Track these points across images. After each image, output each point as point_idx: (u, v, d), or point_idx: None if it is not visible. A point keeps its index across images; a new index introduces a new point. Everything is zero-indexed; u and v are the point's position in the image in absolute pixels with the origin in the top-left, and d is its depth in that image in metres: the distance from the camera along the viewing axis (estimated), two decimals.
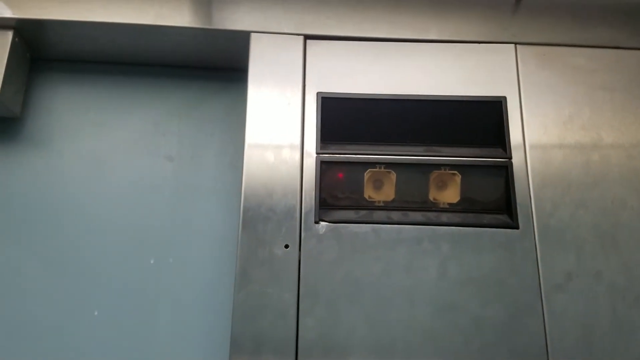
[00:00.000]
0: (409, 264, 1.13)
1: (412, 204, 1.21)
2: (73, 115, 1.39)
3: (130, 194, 1.33)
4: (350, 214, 1.19)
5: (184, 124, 1.40)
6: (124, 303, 1.26)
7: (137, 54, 1.39)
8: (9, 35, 1.28)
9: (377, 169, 1.22)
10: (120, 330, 1.24)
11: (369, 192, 1.22)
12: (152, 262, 1.28)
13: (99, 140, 1.37)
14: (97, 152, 1.36)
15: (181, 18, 1.28)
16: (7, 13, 1.26)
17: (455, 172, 1.22)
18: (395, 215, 1.19)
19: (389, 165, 1.22)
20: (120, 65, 1.43)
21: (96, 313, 1.25)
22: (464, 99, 1.25)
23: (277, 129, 1.21)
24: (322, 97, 1.25)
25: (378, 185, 1.22)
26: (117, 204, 1.33)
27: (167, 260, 1.29)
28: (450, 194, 1.22)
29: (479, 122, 1.25)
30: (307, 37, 1.29)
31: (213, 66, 1.43)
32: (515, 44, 1.30)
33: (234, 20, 1.29)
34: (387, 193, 1.22)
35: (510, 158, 1.21)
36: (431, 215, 1.19)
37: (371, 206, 1.21)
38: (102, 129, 1.38)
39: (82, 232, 1.30)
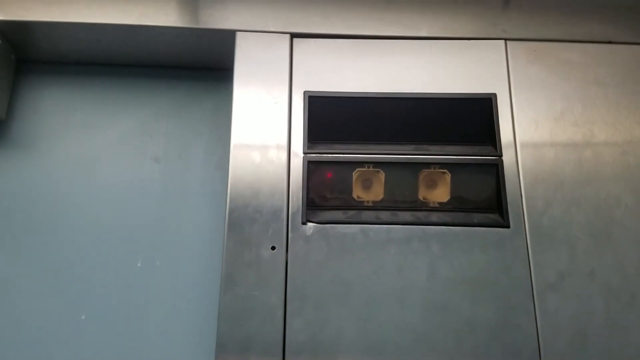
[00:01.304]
0: (399, 264, 1.11)
1: (402, 204, 1.19)
2: (59, 117, 1.37)
3: (118, 196, 1.32)
4: (338, 215, 1.17)
5: (171, 124, 1.38)
6: (111, 306, 1.24)
7: (123, 54, 1.38)
8: None
9: (365, 169, 1.20)
10: (108, 334, 1.22)
11: (357, 192, 1.20)
12: (139, 264, 1.27)
13: (85, 142, 1.36)
14: (83, 154, 1.35)
15: (166, 17, 1.26)
16: None
17: (445, 170, 1.20)
18: (385, 215, 1.17)
19: (378, 164, 1.20)
20: (107, 66, 1.41)
21: (83, 317, 1.24)
22: (454, 97, 1.23)
23: (263, 129, 1.19)
24: (310, 96, 1.23)
25: (367, 184, 1.20)
26: (104, 206, 1.31)
27: (154, 262, 1.27)
28: (440, 193, 1.20)
29: (469, 120, 1.23)
30: (293, 36, 1.28)
31: (200, 66, 1.42)
32: (506, 40, 1.28)
33: (219, 19, 1.27)
34: (376, 193, 1.20)
35: (501, 156, 1.19)
36: (421, 215, 1.17)
37: (360, 206, 1.19)
38: (89, 131, 1.37)
39: (69, 235, 1.29)
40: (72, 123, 1.37)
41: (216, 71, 1.40)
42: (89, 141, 1.36)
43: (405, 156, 1.20)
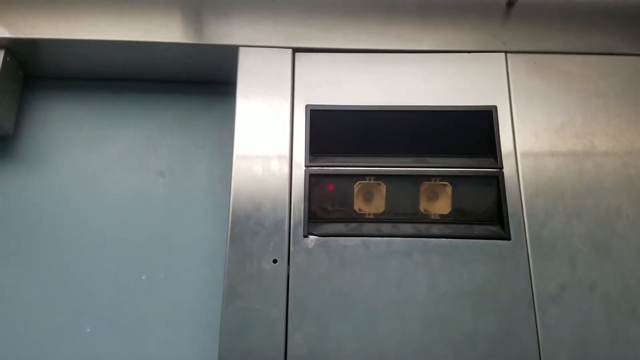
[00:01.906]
0: (399, 277, 1.12)
1: (403, 216, 1.20)
2: (65, 132, 1.40)
3: (123, 210, 1.34)
4: (340, 227, 1.18)
5: (175, 138, 1.40)
6: (116, 319, 1.26)
7: (128, 70, 1.40)
8: (1, 54, 1.29)
9: (366, 181, 1.21)
10: (112, 346, 1.24)
11: (359, 205, 1.21)
12: (143, 277, 1.28)
13: (91, 157, 1.38)
14: (89, 169, 1.37)
15: (169, 34, 1.28)
16: None
17: (446, 182, 1.21)
18: (386, 227, 1.17)
19: (379, 177, 1.21)
20: (112, 81, 1.44)
21: (89, 329, 1.25)
22: (454, 109, 1.24)
23: (265, 142, 1.21)
24: (311, 110, 1.24)
25: (368, 197, 1.21)
26: (109, 220, 1.33)
27: (158, 275, 1.28)
28: (441, 205, 1.20)
29: (470, 132, 1.24)
30: (295, 50, 1.29)
31: (203, 81, 1.44)
32: (506, 52, 1.29)
33: (222, 35, 1.29)
34: (378, 205, 1.21)
35: (502, 168, 1.19)
36: (421, 227, 1.17)
37: (361, 219, 1.20)
38: (94, 145, 1.39)
39: (75, 248, 1.31)
40: (78, 138, 1.39)
41: (219, 85, 1.42)
42: (95, 155, 1.38)
43: (406, 168, 1.21)
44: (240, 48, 1.28)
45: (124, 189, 1.35)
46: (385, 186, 1.21)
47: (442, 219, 1.19)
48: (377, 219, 1.19)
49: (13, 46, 1.31)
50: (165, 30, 1.28)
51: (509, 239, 1.14)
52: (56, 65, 1.39)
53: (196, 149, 1.39)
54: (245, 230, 1.14)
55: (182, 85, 1.44)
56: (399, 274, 1.12)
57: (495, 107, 1.24)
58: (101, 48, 1.31)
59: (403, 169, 1.21)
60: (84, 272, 1.29)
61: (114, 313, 1.26)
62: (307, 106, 1.24)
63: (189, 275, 1.29)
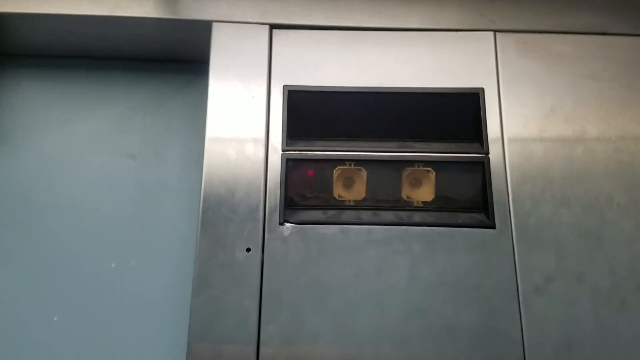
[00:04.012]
0: (379, 266, 1.07)
1: (384, 203, 1.15)
2: (32, 112, 1.33)
3: (92, 194, 1.28)
4: (318, 214, 1.13)
5: (147, 119, 1.34)
6: (84, 308, 1.21)
7: (98, 47, 1.34)
8: None
9: (346, 167, 1.16)
10: (81, 335, 1.19)
11: (338, 191, 1.16)
12: (113, 265, 1.23)
13: (59, 138, 1.32)
14: (57, 150, 1.31)
15: (140, 8, 1.22)
16: None
17: (430, 168, 1.16)
18: (366, 215, 1.13)
19: (360, 162, 1.16)
20: (81, 59, 1.37)
21: (56, 318, 1.20)
22: (439, 91, 1.19)
23: (240, 124, 1.15)
24: (289, 90, 1.18)
25: (348, 183, 1.16)
26: (78, 204, 1.27)
27: (129, 263, 1.23)
28: (424, 192, 1.16)
29: (455, 116, 1.19)
30: (273, 27, 1.23)
31: (177, 59, 1.37)
32: (495, 31, 1.23)
33: (195, 10, 1.23)
34: (358, 192, 1.16)
35: (488, 153, 1.14)
36: (403, 215, 1.13)
37: (340, 206, 1.15)
38: (63, 126, 1.33)
39: (42, 234, 1.25)
40: (46, 118, 1.33)
41: (194, 64, 1.35)
42: (63, 137, 1.32)
43: (389, 154, 1.16)
44: (214, 24, 1.21)
45: (93, 172, 1.29)
46: (366, 172, 1.16)
47: (425, 207, 1.14)
48: (357, 206, 1.15)
49: None
50: (135, 5, 1.22)
51: (493, 227, 1.10)
52: (21, 41, 1.32)
53: (169, 131, 1.33)
54: (217, 217, 1.09)
55: (155, 63, 1.37)
56: (378, 263, 1.07)
57: (482, 90, 1.18)
58: (68, 23, 1.25)
59: (385, 154, 1.16)
60: (52, 258, 1.24)
61: (82, 301, 1.21)
62: (284, 87, 1.19)
63: (161, 263, 1.24)
